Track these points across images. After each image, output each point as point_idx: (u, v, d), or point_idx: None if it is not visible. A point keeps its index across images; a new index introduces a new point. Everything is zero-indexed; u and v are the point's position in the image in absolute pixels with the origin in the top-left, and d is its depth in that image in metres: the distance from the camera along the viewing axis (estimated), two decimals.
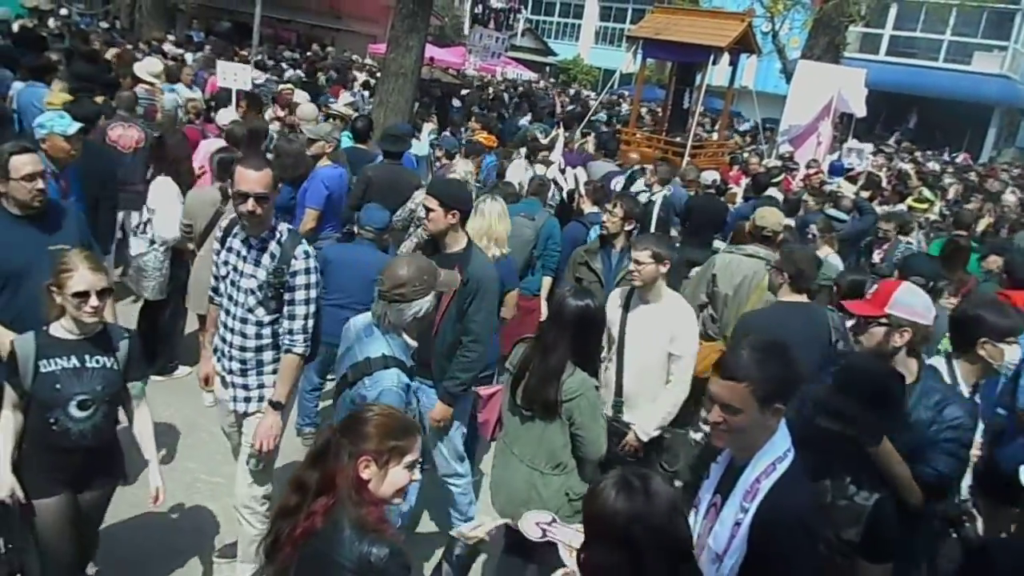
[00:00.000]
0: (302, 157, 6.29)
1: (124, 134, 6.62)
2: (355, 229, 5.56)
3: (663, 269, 4.01)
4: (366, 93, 14.38)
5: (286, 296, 3.51)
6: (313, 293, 3.57)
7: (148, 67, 9.16)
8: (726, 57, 11.82)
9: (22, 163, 3.58)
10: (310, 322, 3.57)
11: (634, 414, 4.14)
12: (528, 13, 36.88)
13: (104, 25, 19.21)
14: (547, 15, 44.70)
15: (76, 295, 2.96)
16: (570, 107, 18.42)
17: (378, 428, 2.16)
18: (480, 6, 19.56)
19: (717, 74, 13.17)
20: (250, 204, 3.37)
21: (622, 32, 39.05)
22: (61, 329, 3.06)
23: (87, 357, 3.08)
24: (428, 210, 3.89)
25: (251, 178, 3.37)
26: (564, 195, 8.55)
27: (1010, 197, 13.76)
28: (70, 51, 10.40)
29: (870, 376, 2.72)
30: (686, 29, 11.79)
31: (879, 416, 2.63)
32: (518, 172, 8.53)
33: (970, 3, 24.32)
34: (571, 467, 3.46)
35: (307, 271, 3.52)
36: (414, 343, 3.15)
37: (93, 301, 2.99)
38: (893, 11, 32.04)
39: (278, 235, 3.54)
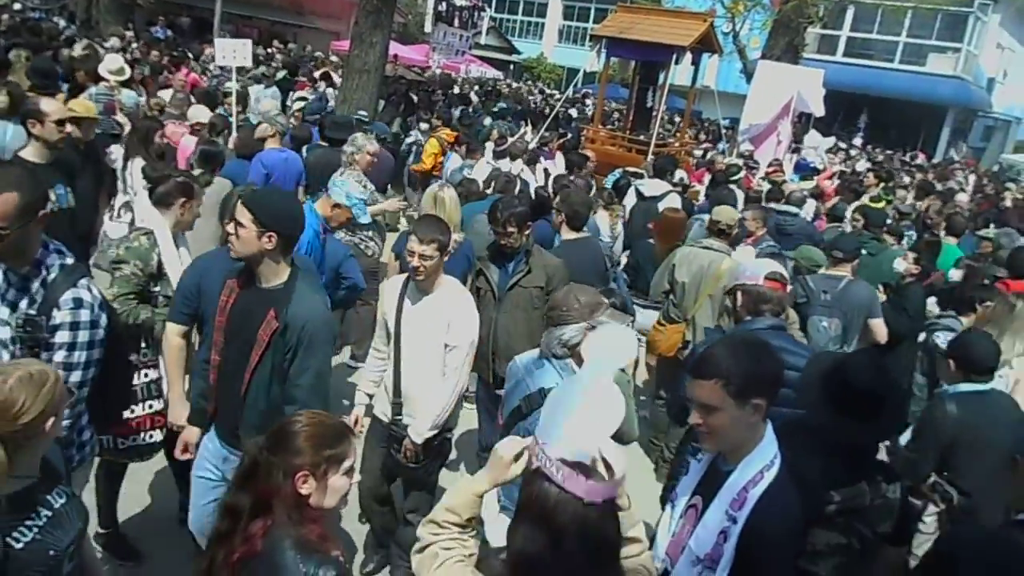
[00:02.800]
0: (250, 140, 6.81)
1: None
2: None
3: (445, 258, 3.75)
4: (330, 90, 14.28)
5: (43, 356, 2.63)
6: (80, 357, 2.69)
7: (108, 64, 9.02)
8: (688, 56, 11.98)
9: None
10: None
11: (415, 417, 3.78)
12: (492, 11, 36.83)
13: (61, 22, 18.78)
14: (511, 13, 44.71)
15: (34, 421, 2.06)
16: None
17: (310, 439, 2.05)
18: (444, 4, 19.42)
19: (680, 73, 13.31)
20: None
21: (586, 31, 39.18)
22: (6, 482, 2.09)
23: (52, 499, 2.22)
24: (238, 225, 2.99)
25: None
26: (532, 192, 8.55)
27: (962, 196, 14.20)
28: (33, 47, 10.16)
29: (855, 385, 2.68)
30: (649, 28, 11.92)
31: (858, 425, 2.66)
32: (482, 170, 8.55)
33: (925, 5, 24.84)
34: None
35: (74, 326, 2.66)
36: None
37: (63, 421, 2.23)
38: (850, 13, 32.56)
39: (44, 272, 2.68)
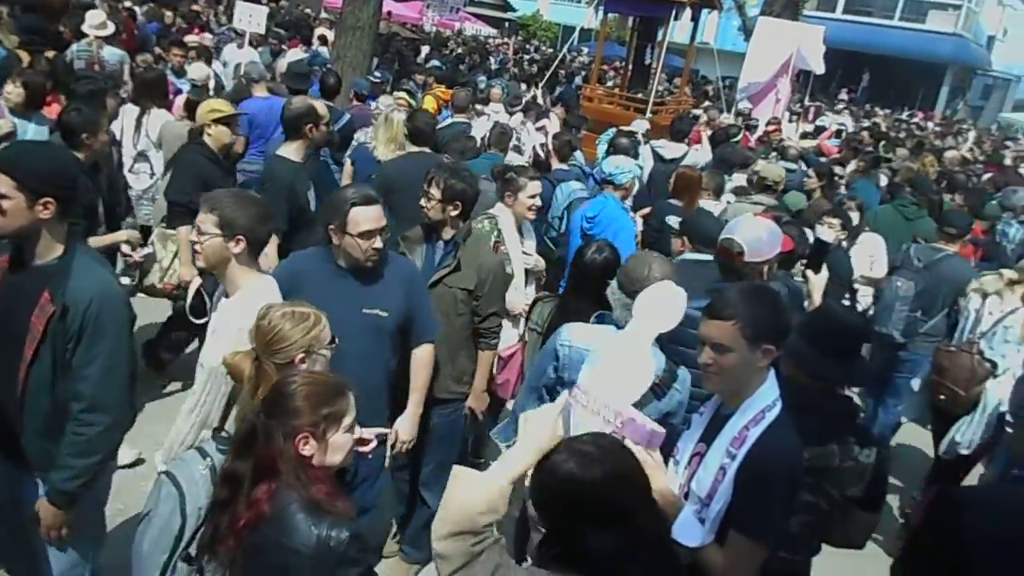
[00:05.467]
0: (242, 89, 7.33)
1: None
2: None
3: (236, 248, 2.72)
4: (323, 49, 14.02)
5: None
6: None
7: (91, 19, 8.78)
8: (688, 12, 11.77)
9: (363, 217, 3.00)
10: None
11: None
12: None
13: None
14: None
15: (286, 350, 2.37)
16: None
17: (307, 399, 2.03)
18: None
19: (678, 30, 13.09)
20: None
21: None
22: None
23: None
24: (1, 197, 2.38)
25: None
26: (539, 149, 8.37)
27: (952, 153, 14.01)
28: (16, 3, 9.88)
29: (840, 327, 2.73)
30: None
31: (845, 367, 2.67)
32: (483, 126, 8.40)
33: None
34: None
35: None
36: None
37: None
38: None
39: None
